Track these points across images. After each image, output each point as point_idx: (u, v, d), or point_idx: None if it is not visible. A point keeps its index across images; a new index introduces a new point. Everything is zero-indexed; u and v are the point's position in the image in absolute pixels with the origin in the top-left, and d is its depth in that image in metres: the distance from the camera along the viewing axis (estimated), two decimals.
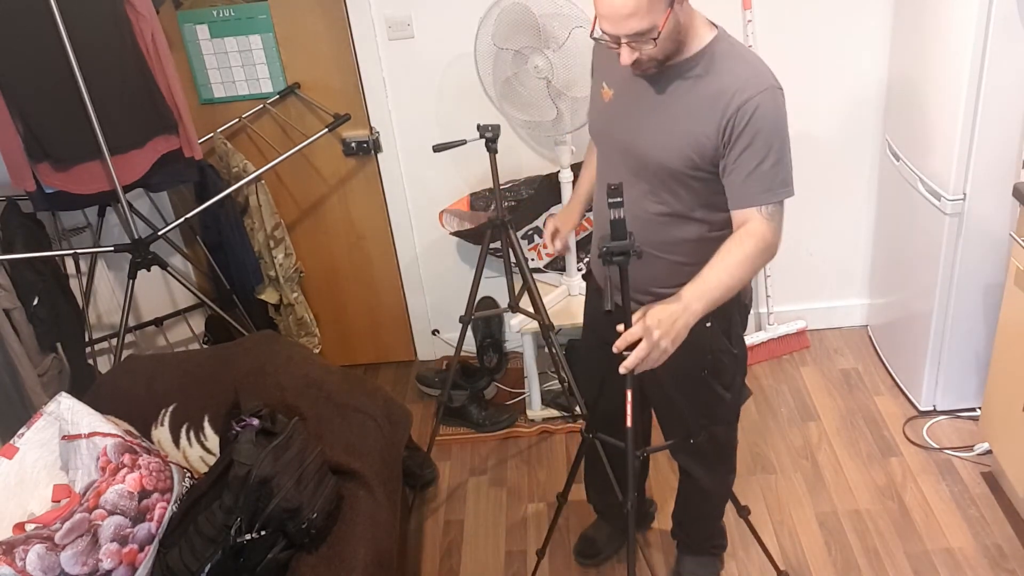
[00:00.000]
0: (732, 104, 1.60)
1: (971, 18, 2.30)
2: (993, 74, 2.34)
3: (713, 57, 1.66)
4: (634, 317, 1.57)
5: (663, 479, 2.76)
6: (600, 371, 2.18)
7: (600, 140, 1.92)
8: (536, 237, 3.10)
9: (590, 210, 2.13)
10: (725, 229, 1.77)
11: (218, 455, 2.12)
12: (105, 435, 1.92)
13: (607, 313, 1.46)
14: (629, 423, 1.68)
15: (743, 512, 2.22)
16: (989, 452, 2.64)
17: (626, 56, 1.60)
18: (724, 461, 2.25)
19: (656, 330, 1.53)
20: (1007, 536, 2.44)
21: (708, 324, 1.92)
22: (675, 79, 1.69)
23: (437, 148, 2.53)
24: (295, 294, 3.32)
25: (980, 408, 2.69)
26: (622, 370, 1.56)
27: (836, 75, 2.99)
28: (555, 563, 2.54)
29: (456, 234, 3.06)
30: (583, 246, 3.05)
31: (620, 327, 1.56)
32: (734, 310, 1.91)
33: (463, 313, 2.65)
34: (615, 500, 2.34)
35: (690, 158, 1.69)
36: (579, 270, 3.00)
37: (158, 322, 3.36)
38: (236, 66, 3.04)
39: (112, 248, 2.80)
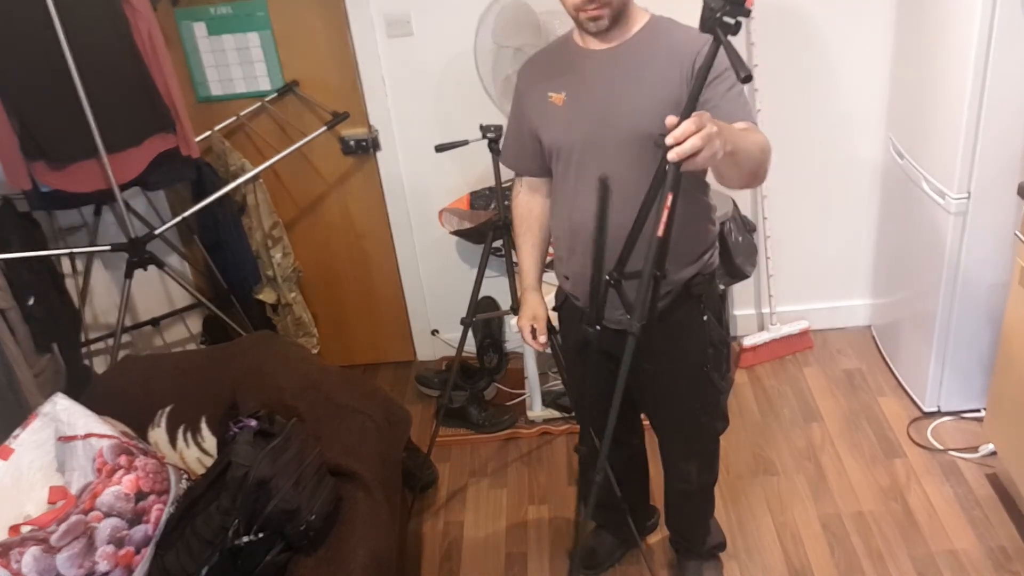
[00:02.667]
0: (691, 50, 1.70)
1: (975, 16, 2.29)
2: (997, 72, 2.33)
3: (656, 28, 1.78)
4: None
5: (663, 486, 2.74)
6: (597, 388, 2.18)
7: (571, 142, 1.84)
8: None
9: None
10: (706, 201, 1.91)
11: (215, 456, 2.10)
12: (101, 436, 1.90)
13: (746, 78, 1.40)
14: (661, 232, 1.54)
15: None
16: (994, 453, 2.62)
17: None
18: (715, 455, 2.25)
19: (713, 125, 1.42)
20: (1011, 538, 2.42)
21: (705, 317, 1.92)
22: (628, 54, 1.76)
23: (439, 148, 2.51)
24: (293, 294, 3.30)
25: (985, 409, 2.67)
26: (673, 156, 1.41)
27: (839, 74, 2.98)
28: (556, 569, 2.52)
29: (456, 233, 3.05)
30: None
31: (671, 119, 1.43)
32: (718, 297, 1.98)
33: (463, 314, 2.63)
34: (615, 512, 2.33)
35: (665, 116, 1.67)
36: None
37: (155, 322, 3.34)
38: (234, 64, 3.02)
39: (109, 247, 2.78)
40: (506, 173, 2.91)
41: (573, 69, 1.81)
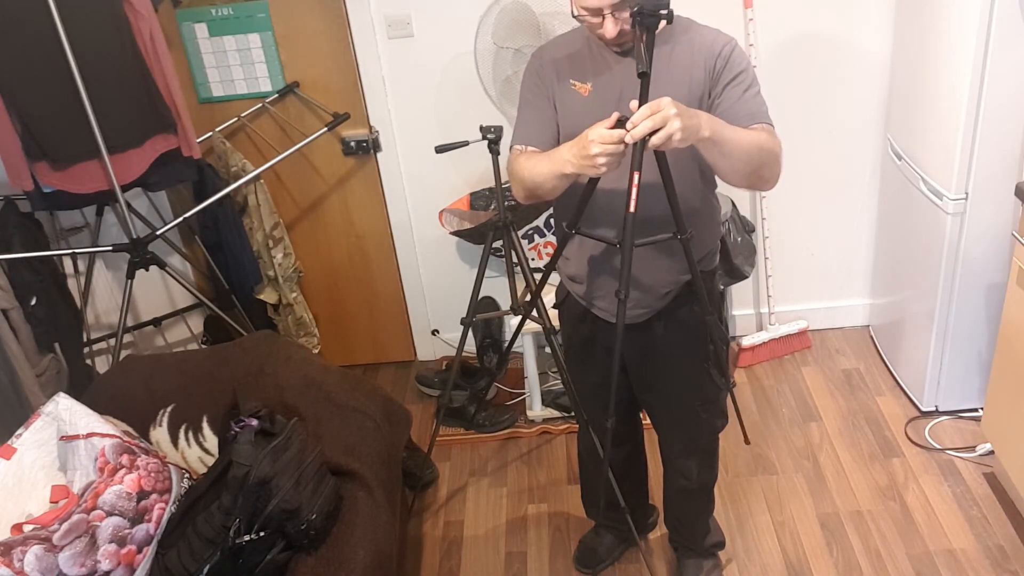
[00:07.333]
0: (713, 50, 1.77)
1: (973, 17, 2.30)
2: (995, 73, 2.33)
3: (678, 27, 1.81)
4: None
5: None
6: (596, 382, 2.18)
7: None
8: (536, 237, 3.09)
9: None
10: (716, 202, 1.96)
11: (217, 456, 2.11)
12: (103, 436, 1.91)
13: (642, 75, 1.53)
14: (632, 208, 1.63)
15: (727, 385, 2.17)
16: (991, 453, 2.63)
17: (611, 28, 1.68)
18: (715, 453, 2.26)
19: (672, 107, 1.52)
20: (1009, 537, 2.43)
21: (707, 317, 1.94)
22: (655, 51, 1.76)
23: (439, 149, 2.52)
24: (294, 294, 3.31)
25: (982, 408, 2.68)
26: (628, 139, 1.54)
27: (837, 74, 2.99)
28: (556, 568, 2.53)
29: (456, 233, 3.05)
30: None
31: (634, 104, 1.56)
32: (718, 294, 2.01)
33: (463, 314, 2.64)
34: (616, 511, 2.34)
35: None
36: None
37: (156, 322, 3.35)
38: (235, 65, 3.03)
39: (110, 248, 2.79)
40: (504, 175, 2.93)
41: (598, 62, 1.82)
